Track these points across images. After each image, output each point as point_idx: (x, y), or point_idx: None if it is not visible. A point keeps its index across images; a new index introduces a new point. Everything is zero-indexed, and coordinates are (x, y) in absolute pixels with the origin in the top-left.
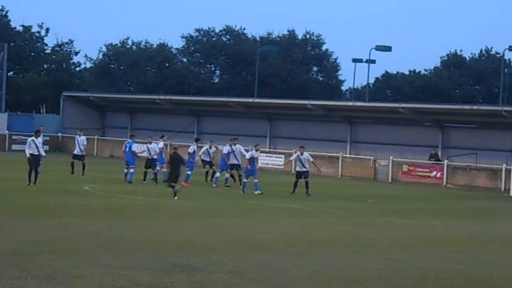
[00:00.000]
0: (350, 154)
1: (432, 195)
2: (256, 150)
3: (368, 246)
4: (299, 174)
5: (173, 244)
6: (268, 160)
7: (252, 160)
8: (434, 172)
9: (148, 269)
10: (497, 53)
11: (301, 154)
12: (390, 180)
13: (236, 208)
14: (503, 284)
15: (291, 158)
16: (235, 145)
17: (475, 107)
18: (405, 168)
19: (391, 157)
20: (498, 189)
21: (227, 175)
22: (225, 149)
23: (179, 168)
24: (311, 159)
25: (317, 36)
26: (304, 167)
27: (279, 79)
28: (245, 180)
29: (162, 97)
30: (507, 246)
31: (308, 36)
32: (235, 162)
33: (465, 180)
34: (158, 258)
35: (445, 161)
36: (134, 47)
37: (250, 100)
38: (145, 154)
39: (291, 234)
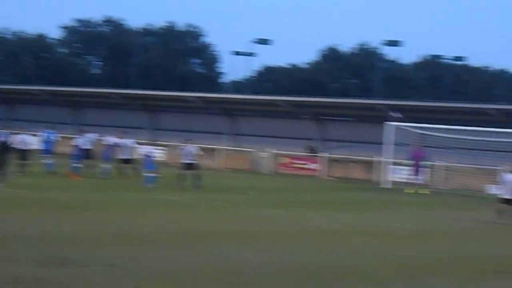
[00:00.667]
0: (230, 146)
1: (310, 187)
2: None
3: (247, 238)
4: (187, 167)
5: (50, 237)
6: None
7: (148, 156)
8: (312, 164)
9: (23, 262)
10: (373, 47)
11: (189, 146)
12: (269, 172)
13: (116, 201)
14: (374, 273)
15: (179, 151)
16: (123, 138)
17: (351, 100)
18: (284, 160)
19: (270, 149)
20: (373, 181)
21: (108, 166)
22: (109, 140)
23: (7, 155)
24: (200, 152)
25: (197, 28)
26: (192, 159)
27: (159, 71)
28: (149, 174)
29: (40, 87)
30: (380, 236)
31: (188, 28)
32: (125, 156)
33: (341, 172)
34: (35, 251)
35: (323, 154)
36: (10, 36)
37: (130, 91)
38: (21, 146)
39: (170, 227)
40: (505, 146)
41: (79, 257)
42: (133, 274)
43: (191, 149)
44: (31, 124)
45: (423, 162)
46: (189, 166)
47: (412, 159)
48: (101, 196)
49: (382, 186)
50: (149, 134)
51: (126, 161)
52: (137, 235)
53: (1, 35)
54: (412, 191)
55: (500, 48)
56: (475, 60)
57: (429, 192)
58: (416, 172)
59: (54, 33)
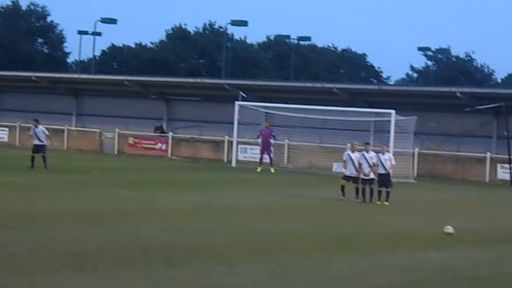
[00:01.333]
0: (75, 126)
1: (158, 167)
2: None
3: (93, 218)
4: (36, 148)
5: None
6: None
7: None
8: (159, 144)
9: None
10: (220, 27)
11: (36, 127)
12: (116, 152)
13: None
14: (224, 252)
15: (30, 133)
16: None
17: (199, 80)
18: (131, 140)
19: (117, 130)
20: (221, 160)
21: None
22: None
23: None
24: (48, 133)
25: (41, 8)
26: (41, 141)
27: (3, 50)
28: None
29: None
30: (229, 215)
31: (32, 7)
32: None
33: (189, 152)
34: None
35: (170, 133)
36: None
37: None
38: None
39: (12, 208)
40: (350, 125)
41: None
42: None
43: (40, 130)
44: None
45: (271, 141)
46: (39, 147)
47: (261, 139)
48: None
49: (230, 165)
50: None
51: None
52: None
53: None
54: (260, 170)
55: (344, 28)
56: (320, 40)
57: (275, 171)
58: (265, 151)
59: None
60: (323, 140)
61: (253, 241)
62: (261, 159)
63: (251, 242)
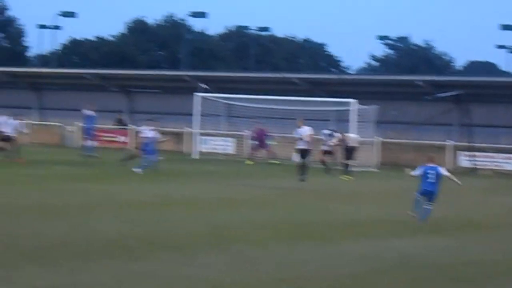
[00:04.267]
0: (37, 121)
1: (119, 160)
2: None
3: (54, 212)
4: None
5: None
6: None
7: None
8: (121, 137)
9: None
10: (180, 19)
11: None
12: (78, 146)
13: None
14: (185, 243)
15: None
16: None
17: (159, 72)
18: None
19: (78, 123)
20: (182, 152)
21: None
22: None
23: None
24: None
25: (0, 2)
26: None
27: None
28: None
29: None
30: (191, 206)
31: None
32: None
33: None
34: None
35: (131, 126)
36: None
37: None
38: None
39: None
40: (310, 115)
41: None
42: None
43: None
44: None
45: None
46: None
47: (255, 140)
48: None
49: (192, 156)
50: None
51: None
52: None
53: None
54: (252, 163)
55: (303, 18)
56: (279, 30)
57: (253, 163)
58: (259, 148)
59: None
60: (283, 130)
61: (214, 232)
62: (252, 154)
63: (212, 233)
